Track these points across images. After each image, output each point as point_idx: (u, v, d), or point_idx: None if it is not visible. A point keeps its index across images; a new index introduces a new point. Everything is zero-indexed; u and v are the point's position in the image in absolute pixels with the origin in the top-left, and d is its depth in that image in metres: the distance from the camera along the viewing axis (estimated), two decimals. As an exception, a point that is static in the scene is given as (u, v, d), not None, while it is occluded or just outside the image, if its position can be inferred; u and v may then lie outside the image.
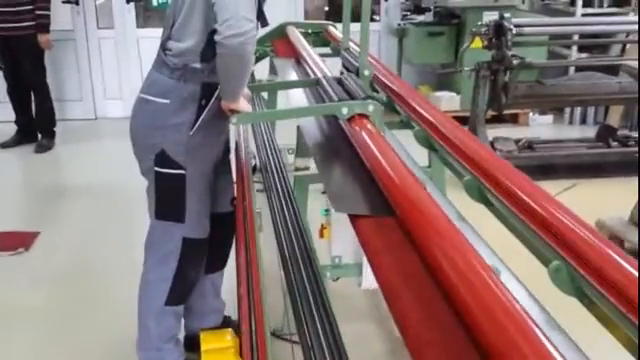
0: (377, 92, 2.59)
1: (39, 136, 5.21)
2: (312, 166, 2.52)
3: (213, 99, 2.02)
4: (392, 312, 1.12)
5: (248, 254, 1.51)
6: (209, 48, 1.92)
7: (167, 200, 2.09)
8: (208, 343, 2.37)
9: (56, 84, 5.67)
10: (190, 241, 2.13)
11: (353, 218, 1.46)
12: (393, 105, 2.45)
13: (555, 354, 0.84)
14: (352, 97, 1.99)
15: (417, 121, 2.07)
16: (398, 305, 1.13)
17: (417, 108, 2.08)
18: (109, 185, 4.35)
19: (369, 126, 1.84)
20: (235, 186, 1.96)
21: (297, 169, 2.45)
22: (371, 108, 1.91)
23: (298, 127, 2.46)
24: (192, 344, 2.35)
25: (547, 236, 1.23)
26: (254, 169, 2.24)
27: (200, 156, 2.06)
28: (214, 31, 1.84)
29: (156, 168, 2.04)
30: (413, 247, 1.29)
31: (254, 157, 2.45)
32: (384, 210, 1.44)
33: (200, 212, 2.13)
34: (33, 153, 5.08)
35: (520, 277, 1.35)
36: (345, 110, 1.90)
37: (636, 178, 4.20)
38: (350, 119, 1.90)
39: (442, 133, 1.86)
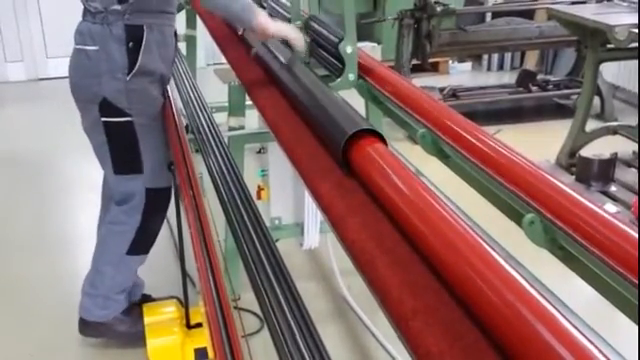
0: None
1: None
2: (247, 125, 2.40)
3: (144, 43, 1.94)
4: (368, 280, 1.05)
5: (199, 223, 1.40)
6: None
7: (121, 152, 2.05)
8: (151, 315, 2.26)
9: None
10: (153, 191, 2.10)
11: (309, 183, 1.38)
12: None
13: (550, 308, 0.79)
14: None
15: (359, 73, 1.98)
16: (374, 271, 1.05)
17: (359, 61, 1.99)
18: (15, 153, 4.03)
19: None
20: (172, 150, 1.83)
21: (231, 128, 2.31)
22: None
23: (230, 84, 2.33)
24: None
25: (517, 189, 1.18)
26: (186, 129, 2.11)
27: (143, 102, 2.01)
28: None
29: (103, 119, 1.99)
30: (378, 207, 1.22)
31: (184, 116, 2.31)
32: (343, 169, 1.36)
33: (158, 160, 2.08)
34: None
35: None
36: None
37: (558, 121, 4.34)
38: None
39: (389, 84, 1.79)
